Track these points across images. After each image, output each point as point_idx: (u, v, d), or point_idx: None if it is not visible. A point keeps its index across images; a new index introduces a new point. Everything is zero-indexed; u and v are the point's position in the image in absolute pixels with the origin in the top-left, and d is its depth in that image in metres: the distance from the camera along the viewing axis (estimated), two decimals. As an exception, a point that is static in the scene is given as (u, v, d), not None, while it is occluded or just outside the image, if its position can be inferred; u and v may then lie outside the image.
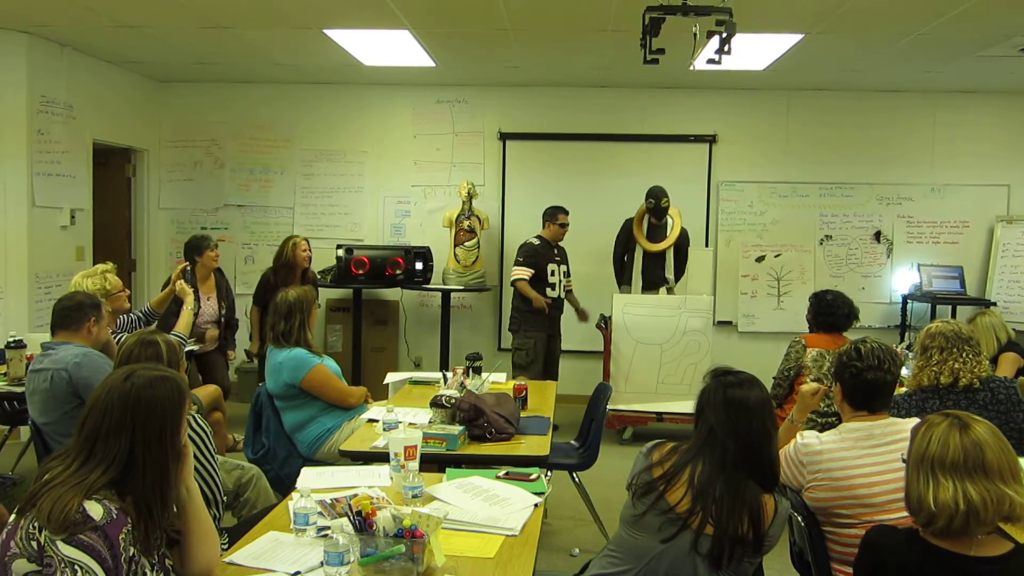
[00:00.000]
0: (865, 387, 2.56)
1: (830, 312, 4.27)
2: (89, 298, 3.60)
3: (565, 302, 6.32)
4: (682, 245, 6.24)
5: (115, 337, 3.98)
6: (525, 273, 6.04)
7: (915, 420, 2.45)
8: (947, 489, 1.83)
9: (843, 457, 2.46)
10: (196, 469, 2.57)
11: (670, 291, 6.19)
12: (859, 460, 2.44)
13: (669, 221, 6.19)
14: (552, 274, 6.12)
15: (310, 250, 6.00)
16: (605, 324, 6.18)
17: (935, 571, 1.87)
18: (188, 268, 5.22)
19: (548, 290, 6.09)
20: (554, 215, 6.17)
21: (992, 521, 1.84)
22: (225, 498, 2.84)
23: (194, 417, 2.67)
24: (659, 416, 6.01)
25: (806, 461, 2.50)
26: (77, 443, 1.83)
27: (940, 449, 1.87)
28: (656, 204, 6.05)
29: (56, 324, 3.50)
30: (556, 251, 6.21)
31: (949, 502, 1.82)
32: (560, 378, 6.04)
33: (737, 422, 2.15)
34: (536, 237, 6.19)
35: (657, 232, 6.19)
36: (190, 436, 2.59)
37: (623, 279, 6.30)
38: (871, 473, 2.42)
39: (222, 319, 5.61)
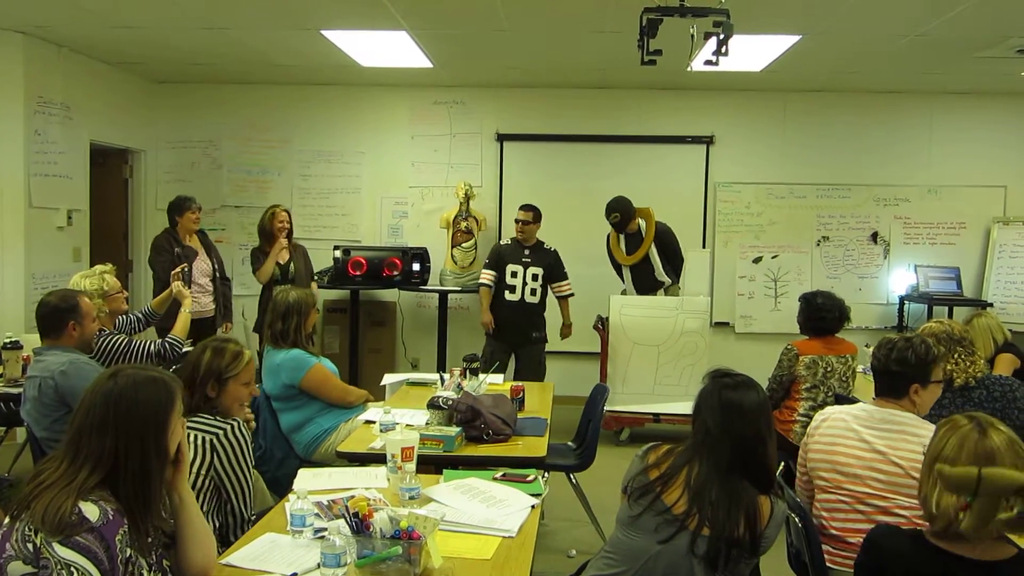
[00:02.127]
0: (874, 373, 2.74)
1: (821, 317, 4.27)
2: (63, 300, 3.45)
3: (537, 305, 5.95)
4: (666, 243, 6.01)
5: (109, 337, 3.96)
6: (485, 277, 5.96)
7: (926, 428, 2.50)
8: (949, 497, 1.83)
9: (836, 427, 2.65)
10: (227, 480, 2.51)
11: (670, 290, 6.12)
12: (848, 432, 2.61)
13: (642, 225, 5.99)
14: (513, 275, 5.86)
15: (290, 222, 6.03)
16: (602, 325, 6.16)
17: (936, 571, 1.87)
18: (186, 270, 5.21)
19: (507, 292, 5.88)
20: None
21: (992, 530, 1.83)
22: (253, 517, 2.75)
23: (238, 425, 2.58)
24: (656, 417, 6.01)
25: (815, 424, 2.73)
26: (66, 442, 1.83)
27: (952, 454, 1.87)
28: (613, 220, 5.88)
29: (39, 331, 3.47)
30: (527, 252, 5.91)
31: (949, 509, 1.82)
32: (557, 379, 6.03)
33: (732, 424, 2.16)
34: (511, 238, 6.08)
35: (635, 241, 6.01)
36: (226, 445, 2.50)
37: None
38: (853, 446, 2.58)
39: (216, 275, 5.79)
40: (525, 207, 5.99)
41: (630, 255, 6.03)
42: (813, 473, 2.65)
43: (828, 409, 2.74)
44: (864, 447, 2.54)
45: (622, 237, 6.05)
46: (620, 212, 5.85)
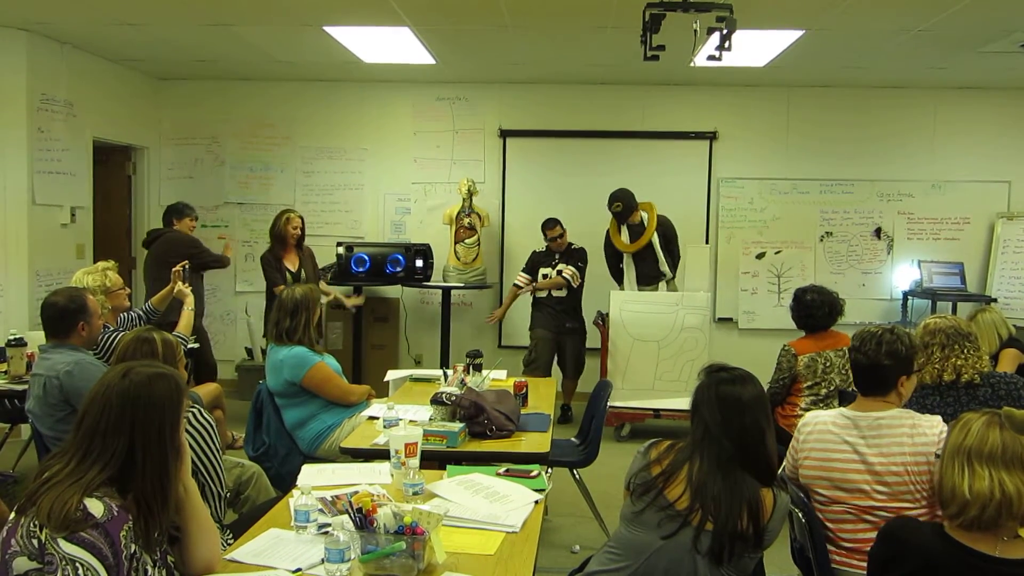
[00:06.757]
0: (853, 367, 2.65)
1: (810, 314, 4.27)
2: (71, 301, 3.42)
3: (564, 299, 6.37)
4: (669, 235, 6.13)
5: (113, 334, 3.97)
6: (519, 279, 6.54)
7: (911, 417, 2.48)
8: (983, 478, 1.86)
9: (825, 439, 2.57)
10: (201, 464, 2.61)
11: (670, 284, 6.16)
12: (839, 445, 2.54)
13: (644, 217, 6.09)
14: (544, 277, 6.42)
15: (302, 228, 6.03)
16: (603, 321, 6.17)
17: (956, 566, 1.88)
18: (187, 267, 5.22)
19: (539, 292, 6.44)
20: (543, 231, 6.40)
21: (1022, 516, 1.85)
22: (228, 494, 2.86)
23: (199, 411, 2.68)
24: (656, 413, 5.98)
25: (801, 435, 2.64)
26: (74, 441, 1.83)
27: (978, 441, 1.90)
28: (615, 209, 6.01)
29: (46, 331, 3.46)
30: (557, 256, 6.38)
31: (985, 491, 1.85)
32: (557, 374, 6.04)
33: (731, 419, 2.16)
34: (546, 246, 6.51)
35: (637, 232, 6.10)
36: (193, 431, 2.61)
37: (621, 283, 6.28)
38: (848, 459, 2.51)
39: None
40: (550, 224, 6.36)
41: (632, 243, 6.10)
42: (809, 486, 2.58)
43: (809, 416, 2.67)
44: (858, 460, 2.48)
45: (624, 229, 6.12)
46: (623, 201, 5.99)
